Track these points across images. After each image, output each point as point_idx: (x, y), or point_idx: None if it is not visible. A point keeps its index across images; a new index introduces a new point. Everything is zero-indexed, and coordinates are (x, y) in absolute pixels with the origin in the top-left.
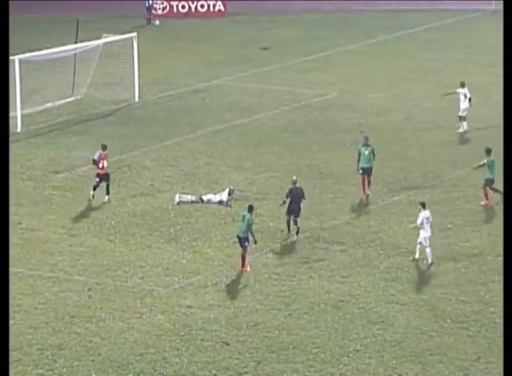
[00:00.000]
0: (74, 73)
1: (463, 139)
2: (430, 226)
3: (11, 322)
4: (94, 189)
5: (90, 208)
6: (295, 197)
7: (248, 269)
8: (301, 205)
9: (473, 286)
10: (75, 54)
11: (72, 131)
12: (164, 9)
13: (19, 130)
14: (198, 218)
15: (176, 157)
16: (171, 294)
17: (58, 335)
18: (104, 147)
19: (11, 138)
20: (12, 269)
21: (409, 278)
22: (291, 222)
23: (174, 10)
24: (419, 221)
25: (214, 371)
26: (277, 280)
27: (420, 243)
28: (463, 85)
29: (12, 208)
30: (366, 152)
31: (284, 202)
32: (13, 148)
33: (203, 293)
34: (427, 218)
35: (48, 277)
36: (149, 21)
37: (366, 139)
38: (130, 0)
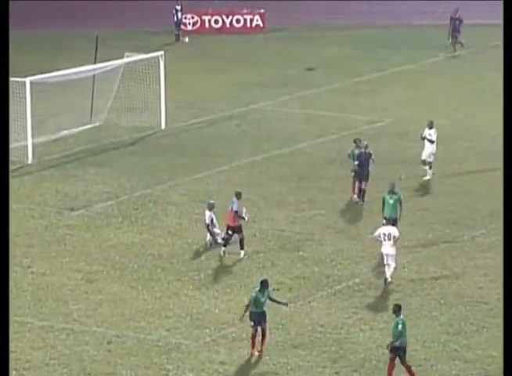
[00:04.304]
0: (93, 97)
1: None
2: (393, 245)
3: None
4: (225, 244)
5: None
6: (363, 162)
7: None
8: (370, 169)
9: None
10: (94, 75)
11: (90, 163)
12: (194, 24)
13: (30, 161)
14: (232, 261)
15: (208, 191)
16: (201, 349)
17: None
18: (239, 195)
19: (21, 170)
20: (21, 319)
21: (474, 331)
22: (356, 188)
23: (206, 25)
24: (375, 233)
25: None
26: (322, 333)
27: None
28: (430, 126)
29: (21, 250)
30: (391, 201)
31: (353, 170)
32: (24, 181)
33: (237, 347)
34: (388, 235)
35: (62, 329)
36: (177, 38)
37: (393, 185)
38: (156, 14)
